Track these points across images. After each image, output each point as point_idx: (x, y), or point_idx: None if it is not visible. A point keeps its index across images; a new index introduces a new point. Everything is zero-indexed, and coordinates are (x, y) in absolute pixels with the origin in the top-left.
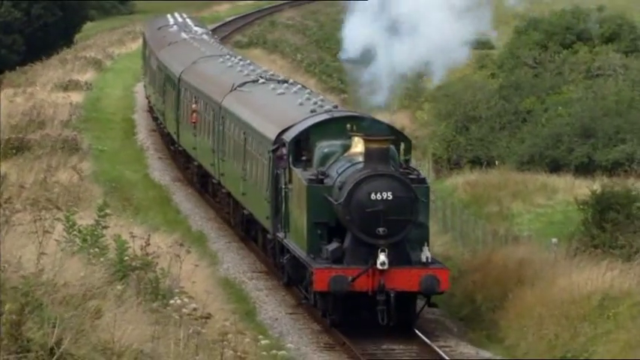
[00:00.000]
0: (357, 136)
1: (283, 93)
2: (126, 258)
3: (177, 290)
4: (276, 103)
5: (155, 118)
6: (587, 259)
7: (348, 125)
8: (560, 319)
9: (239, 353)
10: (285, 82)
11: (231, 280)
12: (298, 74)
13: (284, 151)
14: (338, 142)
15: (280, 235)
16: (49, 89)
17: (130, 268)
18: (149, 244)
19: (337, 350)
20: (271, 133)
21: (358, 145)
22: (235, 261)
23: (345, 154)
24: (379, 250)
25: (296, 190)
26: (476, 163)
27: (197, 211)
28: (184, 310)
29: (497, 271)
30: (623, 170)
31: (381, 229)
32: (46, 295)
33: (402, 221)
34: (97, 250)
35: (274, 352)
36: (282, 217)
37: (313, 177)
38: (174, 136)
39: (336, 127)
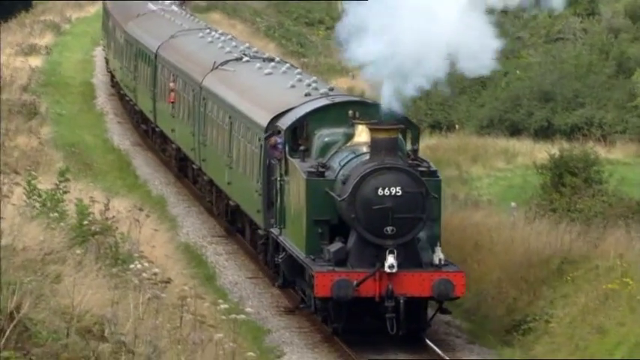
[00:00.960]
0: (361, 124)
1: (271, 73)
2: (85, 223)
3: (136, 255)
4: (265, 85)
5: (123, 95)
6: (545, 223)
7: (350, 111)
8: (519, 282)
9: (198, 317)
10: (272, 60)
11: (190, 245)
12: (257, 38)
13: (279, 139)
14: (340, 131)
15: (274, 231)
16: (8, 53)
17: (89, 233)
18: (109, 209)
19: (296, 314)
20: (263, 119)
21: (362, 134)
22: (195, 225)
23: (348, 144)
24: (387, 252)
25: (294, 183)
26: (436, 127)
27: (157, 175)
28: (144, 274)
29: (457, 236)
30: (582, 134)
31: (389, 228)
32: (5, 260)
33: (412, 219)
34: (56, 214)
35: (233, 316)
36: (276, 211)
37: (313, 169)
38: (150, 116)
39: (337, 113)
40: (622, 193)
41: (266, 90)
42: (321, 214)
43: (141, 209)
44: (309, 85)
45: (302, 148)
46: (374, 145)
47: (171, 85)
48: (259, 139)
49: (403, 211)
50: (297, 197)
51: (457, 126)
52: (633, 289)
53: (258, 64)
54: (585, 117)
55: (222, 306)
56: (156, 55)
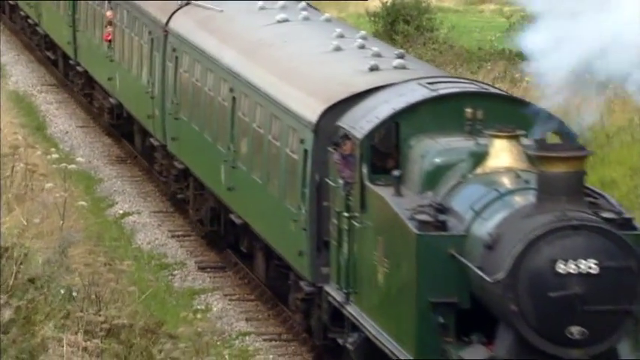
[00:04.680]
0: (503, 137)
1: (287, 20)
2: None
3: None
4: (286, 44)
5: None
6: None
7: (469, 110)
8: None
9: (30, 166)
10: None
11: (20, 94)
12: None
13: (346, 149)
14: (459, 144)
15: (336, 295)
16: None
17: None
18: None
19: (129, 163)
20: (307, 109)
21: (502, 155)
22: (24, 74)
23: (478, 171)
24: None
25: (384, 231)
26: None
27: None
28: None
29: None
30: None
31: (575, 330)
32: None
33: (614, 314)
34: None
35: (64, 165)
36: (341, 265)
37: (427, 216)
38: (70, 50)
39: (446, 110)
40: (452, 40)
41: (291, 53)
42: (443, 292)
43: None
44: (362, 46)
45: (396, 173)
46: (544, 184)
47: (109, 14)
48: (302, 142)
49: (600, 301)
50: (394, 258)
51: None
52: None
53: (258, 2)
54: None
55: (53, 155)
56: None
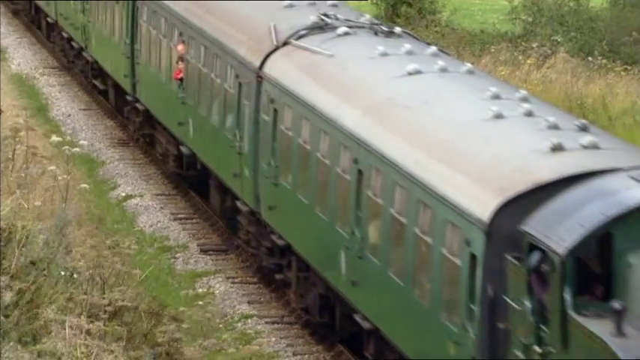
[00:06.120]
0: None
1: (421, 72)
2: None
3: None
4: (433, 108)
5: (50, 26)
6: None
7: None
8: None
9: (31, 149)
10: (389, 31)
11: (22, 77)
12: None
13: (534, 263)
14: None
15: None
16: None
17: None
18: None
19: (131, 146)
20: (473, 201)
21: None
22: (27, 57)
23: None
24: None
25: None
26: None
27: None
28: None
29: None
30: None
31: None
32: None
33: None
34: None
35: (67, 147)
36: None
37: None
38: (126, 84)
39: None
40: (454, 23)
41: (437, 120)
42: None
43: None
44: (529, 113)
45: (617, 305)
46: None
47: (180, 48)
48: (467, 243)
49: None
50: None
51: None
52: None
53: (362, 39)
54: None
55: (55, 138)
56: None
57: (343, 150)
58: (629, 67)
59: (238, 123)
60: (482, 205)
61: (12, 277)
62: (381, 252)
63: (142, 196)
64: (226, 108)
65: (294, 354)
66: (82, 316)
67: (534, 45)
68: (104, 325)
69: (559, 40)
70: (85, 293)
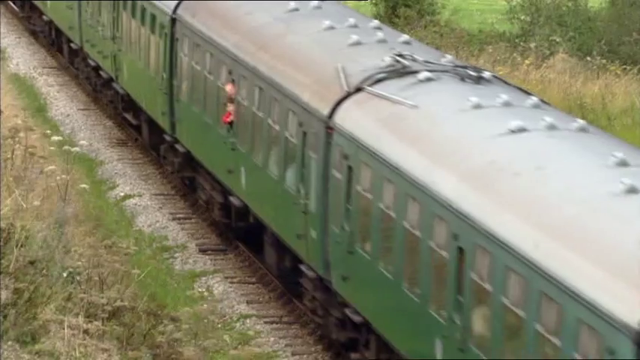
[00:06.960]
0: None
1: (526, 129)
2: None
3: None
4: (552, 178)
5: (74, 51)
6: None
7: None
8: None
9: (30, 149)
10: (478, 76)
11: (21, 76)
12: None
13: None
14: None
15: None
16: None
17: None
18: None
19: (130, 146)
20: (618, 303)
21: None
22: (25, 57)
23: None
24: None
25: None
26: None
27: None
28: None
29: None
30: None
31: None
32: None
33: None
34: None
35: (66, 147)
36: None
37: None
38: (165, 123)
39: None
40: (453, 23)
41: (556, 191)
42: None
43: None
44: None
45: None
46: None
47: (229, 89)
48: (610, 352)
49: None
50: None
51: None
52: None
53: (458, 86)
54: None
55: (55, 138)
56: (173, 21)
57: (438, 222)
58: (627, 67)
59: (303, 177)
60: (629, 307)
61: (11, 276)
62: (489, 346)
63: (140, 195)
64: (287, 159)
65: (293, 354)
66: (81, 316)
67: (533, 45)
68: (103, 324)
69: (558, 40)
70: (84, 293)
